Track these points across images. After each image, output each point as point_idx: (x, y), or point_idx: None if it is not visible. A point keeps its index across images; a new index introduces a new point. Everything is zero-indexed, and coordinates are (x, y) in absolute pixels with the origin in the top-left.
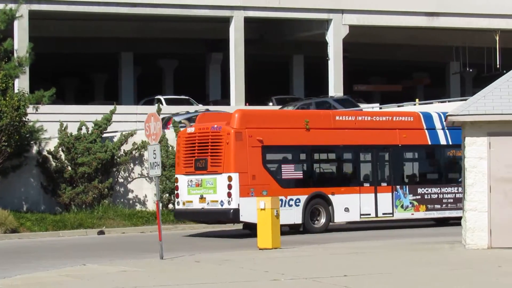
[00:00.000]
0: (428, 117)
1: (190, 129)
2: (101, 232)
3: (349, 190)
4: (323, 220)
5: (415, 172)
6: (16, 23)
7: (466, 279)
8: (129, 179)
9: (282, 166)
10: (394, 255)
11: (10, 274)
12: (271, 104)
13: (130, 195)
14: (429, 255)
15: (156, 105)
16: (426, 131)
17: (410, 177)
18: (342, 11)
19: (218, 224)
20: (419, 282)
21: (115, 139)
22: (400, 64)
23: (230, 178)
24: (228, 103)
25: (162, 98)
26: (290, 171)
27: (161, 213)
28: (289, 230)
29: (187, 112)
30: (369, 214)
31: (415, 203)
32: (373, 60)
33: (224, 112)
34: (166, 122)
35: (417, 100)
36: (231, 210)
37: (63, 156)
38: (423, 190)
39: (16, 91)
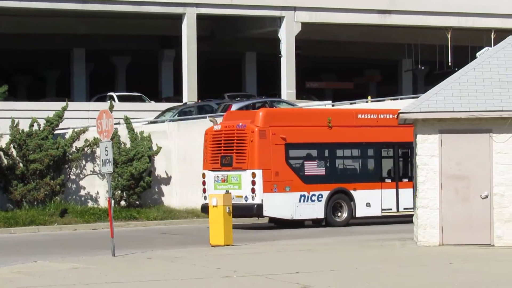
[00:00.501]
0: None
1: (217, 127)
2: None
3: (371, 185)
4: (345, 215)
5: None
6: None
7: (417, 275)
8: (81, 176)
9: (305, 162)
10: (346, 252)
11: None
12: None
13: (82, 192)
14: (381, 252)
15: (108, 102)
16: None
17: None
18: (295, 8)
19: (242, 219)
20: (370, 279)
21: (67, 136)
22: (352, 61)
23: (254, 175)
24: (180, 100)
25: (114, 94)
26: (312, 168)
27: (113, 210)
28: (312, 224)
29: (244, 100)
30: (391, 209)
31: None
32: (326, 57)
33: (249, 110)
34: (225, 109)
35: (369, 97)
36: (255, 205)
37: (14, 153)
38: None
39: None
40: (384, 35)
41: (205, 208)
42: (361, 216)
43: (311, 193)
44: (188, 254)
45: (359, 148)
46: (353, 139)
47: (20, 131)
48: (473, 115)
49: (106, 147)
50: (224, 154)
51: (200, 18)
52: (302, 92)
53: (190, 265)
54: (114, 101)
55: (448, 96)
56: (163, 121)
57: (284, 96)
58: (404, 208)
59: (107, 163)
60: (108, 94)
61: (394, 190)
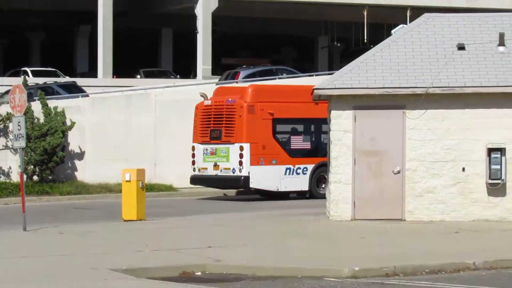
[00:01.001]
0: None
1: (207, 102)
2: None
3: None
4: None
5: None
6: None
7: (327, 249)
8: None
9: (291, 137)
10: (259, 227)
11: None
12: (138, 76)
13: None
14: (295, 227)
15: (22, 76)
16: None
17: None
18: None
19: (229, 189)
20: (280, 252)
21: None
22: (269, 38)
23: (241, 148)
24: (95, 76)
25: (28, 70)
26: (298, 142)
27: (25, 185)
28: (296, 196)
29: (251, 67)
30: None
31: None
32: (243, 34)
33: (239, 86)
34: (234, 76)
35: (284, 74)
36: (242, 177)
37: None
38: None
39: None
40: (301, 12)
41: (194, 180)
42: None
43: (297, 166)
44: (100, 229)
45: None
46: None
47: None
48: (387, 91)
49: (19, 122)
50: (213, 128)
51: None
52: (218, 68)
53: (102, 239)
54: (28, 76)
55: (362, 73)
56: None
57: (199, 72)
58: None
59: (20, 137)
60: (22, 69)
61: None
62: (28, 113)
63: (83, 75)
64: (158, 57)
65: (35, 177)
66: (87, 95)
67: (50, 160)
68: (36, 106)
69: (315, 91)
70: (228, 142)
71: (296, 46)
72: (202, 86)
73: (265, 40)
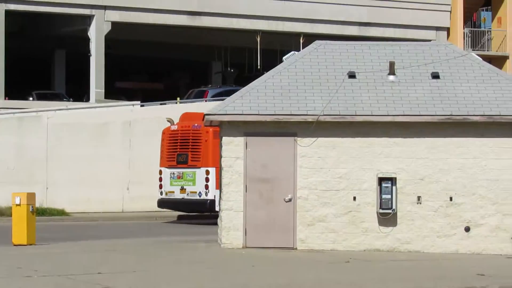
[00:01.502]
0: None
1: (174, 127)
2: None
3: None
4: None
5: None
6: None
7: (217, 277)
8: None
9: None
10: (151, 253)
11: None
12: (31, 99)
13: None
14: (186, 254)
15: None
16: None
17: None
18: (105, 7)
19: (196, 213)
20: (172, 280)
21: None
22: (163, 62)
23: (207, 172)
24: None
25: None
26: None
27: None
28: None
29: (219, 86)
30: None
31: None
32: (136, 57)
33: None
34: (199, 95)
35: (178, 98)
36: (208, 201)
37: None
38: None
39: None
40: (194, 37)
41: (161, 203)
42: None
43: None
44: None
45: None
46: None
47: None
48: (278, 118)
49: None
50: (180, 152)
51: (10, 14)
52: (112, 92)
53: None
54: None
55: (254, 99)
56: None
57: (92, 96)
58: None
59: None
60: None
61: None
62: None
63: None
64: (51, 79)
65: None
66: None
67: None
68: None
69: (206, 116)
70: (194, 166)
71: (190, 70)
72: (94, 110)
73: (160, 64)
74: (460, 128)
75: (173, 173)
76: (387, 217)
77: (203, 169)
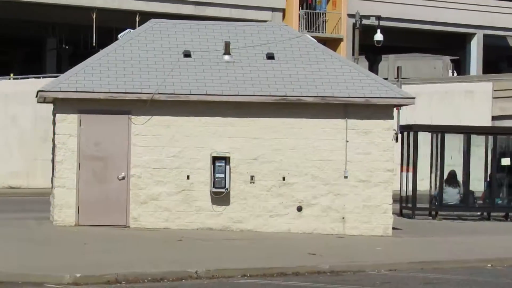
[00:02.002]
0: None
1: None
2: None
3: None
4: None
5: None
6: None
7: (48, 255)
8: None
9: None
10: None
11: None
12: None
13: None
14: (14, 231)
15: None
16: None
17: None
18: None
19: None
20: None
21: None
22: None
23: None
24: None
25: None
26: None
27: None
28: None
29: None
30: None
31: None
32: None
33: None
34: None
35: (11, 74)
36: None
37: None
38: None
39: None
40: (26, 13)
41: None
42: None
43: None
44: None
45: None
46: None
47: None
48: (112, 96)
49: None
50: None
51: None
52: None
53: None
54: None
55: (88, 77)
56: None
57: None
58: None
59: None
60: None
61: None
62: None
63: None
64: None
65: None
66: None
67: None
68: None
69: (39, 93)
70: None
71: (25, 46)
72: None
73: None
74: (294, 109)
75: None
76: (221, 196)
77: None
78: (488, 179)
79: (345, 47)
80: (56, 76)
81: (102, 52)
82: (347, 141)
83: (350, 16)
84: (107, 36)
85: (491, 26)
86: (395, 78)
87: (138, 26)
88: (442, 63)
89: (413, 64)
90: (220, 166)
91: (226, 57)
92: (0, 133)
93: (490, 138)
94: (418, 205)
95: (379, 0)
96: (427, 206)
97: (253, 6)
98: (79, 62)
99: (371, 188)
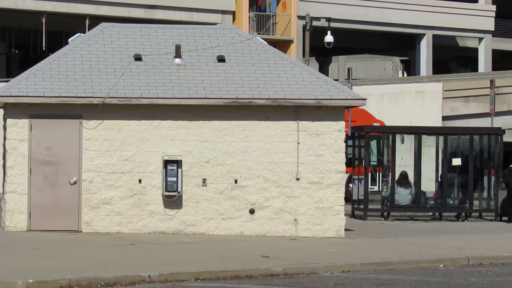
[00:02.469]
0: None
1: None
2: None
3: None
4: None
5: None
6: None
7: (2, 261)
8: None
9: None
10: None
11: None
12: None
13: None
14: None
15: None
16: None
17: None
18: None
19: None
20: None
21: None
22: None
23: None
24: None
25: None
26: None
27: None
28: None
29: None
30: None
31: None
32: None
33: None
34: None
35: None
36: None
37: None
38: None
39: None
40: None
41: None
42: None
43: None
44: None
45: None
46: None
47: None
48: (63, 100)
49: None
50: None
51: None
52: None
53: None
54: None
55: (39, 81)
56: None
57: None
58: None
59: None
60: None
61: None
62: None
63: None
64: None
65: None
66: None
67: None
68: None
69: None
70: None
71: None
72: None
73: None
74: (245, 111)
75: None
76: (173, 199)
77: None
78: (439, 179)
79: (295, 48)
80: (7, 81)
81: (52, 56)
82: (298, 143)
83: (300, 18)
84: (57, 40)
85: (440, 26)
86: (346, 79)
87: (88, 30)
88: (392, 63)
89: (363, 65)
90: (172, 169)
91: (177, 60)
92: None
93: (441, 138)
94: (370, 206)
95: (329, 1)
96: (379, 207)
97: (203, 9)
98: (29, 67)
99: (323, 189)
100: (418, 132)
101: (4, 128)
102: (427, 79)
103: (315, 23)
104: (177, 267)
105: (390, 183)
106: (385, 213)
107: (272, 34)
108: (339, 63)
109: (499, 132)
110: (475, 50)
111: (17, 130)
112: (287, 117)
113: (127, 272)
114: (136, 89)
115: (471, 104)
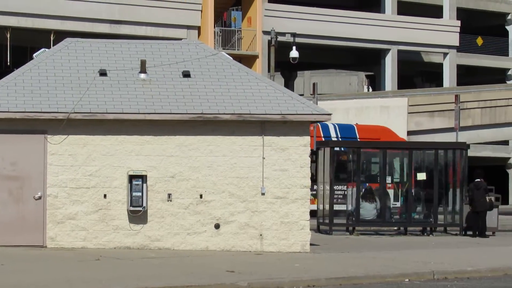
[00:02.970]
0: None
1: None
2: None
3: None
4: None
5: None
6: None
7: None
8: None
9: None
10: None
11: None
12: None
13: None
14: None
15: None
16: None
17: None
18: None
19: None
20: None
21: None
22: None
23: None
24: None
25: None
26: None
27: None
28: None
29: None
30: None
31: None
32: None
33: None
34: None
35: None
36: None
37: None
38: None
39: None
40: None
41: None
42: None
43: None
44: None
45: None
46: None
47: None
48: (28, 115)
49: None
50: None
51: None
52: None
53: None
54: None
55: (3, 96)
56: None
57: None
58: None
59: None
60: None
61: None
62: None
63: None
64: None
65: None
66: None
67: None
68: None
69: None
70: None
71: None
72: None
73: None
74: (211, 126)
75: None
76: (138, 214)
77: None
78: (405, 194)
79: (260, 64)
80: None
81: (17, 71)
82: (264, 158)
83: (266, 33)
84: (22, 55)
85: (405, 41)
86: (311, 94)
87: (53, 45)
88: (358, 78)
89: (328, 80)
90: (137, 184)
91: (142, 75)
92: None
93: (406, 153)
94: (335, 221)
95: (294, 17)
96: (344, 221)
97: (169, 24)
98: None
99: (288, 204)
100: (384, 147)
101: None
102: (392, 94)
103: (280, 38)
104: (143, 282)
105: (355, 198)
106: (351, 228)
107: (238, 49)
108: (304, 78)
109: (464, 147)
110: (440, 65)
111: None
112: (252, 132)
113: None
114: (101, 104)
115: (436, 119)
